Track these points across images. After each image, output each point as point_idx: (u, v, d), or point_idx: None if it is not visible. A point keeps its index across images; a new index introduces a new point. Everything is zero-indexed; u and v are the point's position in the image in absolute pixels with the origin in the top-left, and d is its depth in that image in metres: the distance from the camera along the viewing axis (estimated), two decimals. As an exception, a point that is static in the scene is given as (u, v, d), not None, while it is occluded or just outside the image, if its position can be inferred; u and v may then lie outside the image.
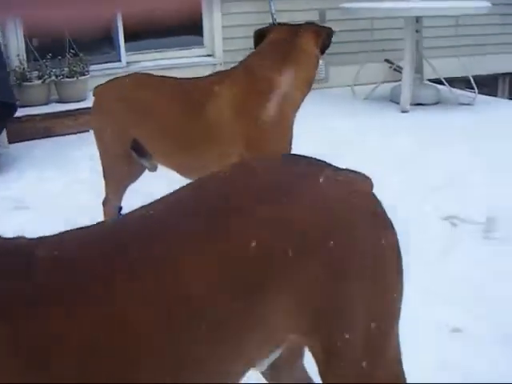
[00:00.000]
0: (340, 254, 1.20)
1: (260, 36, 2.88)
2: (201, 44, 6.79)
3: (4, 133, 5.24)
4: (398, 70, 6.28)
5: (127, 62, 6.50)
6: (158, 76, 3.12)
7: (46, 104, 5.88)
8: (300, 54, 2.76)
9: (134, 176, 3.15)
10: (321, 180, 1.25)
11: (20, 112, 5.68)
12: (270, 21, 6.53)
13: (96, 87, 3.12)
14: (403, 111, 5.77)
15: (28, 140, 5.47)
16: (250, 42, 6.05)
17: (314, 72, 2.83)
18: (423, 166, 4.36)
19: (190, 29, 6.83)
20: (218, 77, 2.88)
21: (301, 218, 1.19)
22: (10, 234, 1.15)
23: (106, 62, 6.25)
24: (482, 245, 3.18)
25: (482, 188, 3.88)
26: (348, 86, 6.52)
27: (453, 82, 6.34)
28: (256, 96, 2.71)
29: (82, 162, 4.61)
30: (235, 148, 2.72)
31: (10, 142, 5.36)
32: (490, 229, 3.33)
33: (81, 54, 5.91)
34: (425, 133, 5.22)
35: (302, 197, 1.23)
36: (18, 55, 5.82)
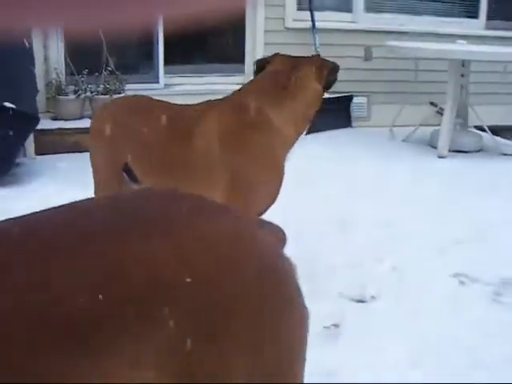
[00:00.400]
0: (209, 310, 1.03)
1: (261, 66, 2.74)
2: (242, 72, 6.71)
3: (32, 144, 5.26)
4: (442, 113, 6.05)
5: (165, 84, 6.48)
6: (153, 100, 3.04)
7: (79, 119, 5.90)
8: (297, 88, 2.61)
9: None
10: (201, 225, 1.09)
11: (52, 125, 5.73)
12: (313, 53, 6.40)
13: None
14: (440, 156, 5.53)
15: (56, 153, 5.47)
16: (291, 74, 6.00)
17: (312, 108, 2.67)
18: (449, 216, 4.10)
19: (231, 56, 6.79)
20: (209, 105, 2.76)
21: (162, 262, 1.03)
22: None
23: (144, 83, 6.24)
24: (487, 308, 2.92)
25: (505, 246, 3.61)
26: (390, 126, 6.33)
27: (498, 130, 6.06)
28: (244, 129, 2.58)
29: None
30: (219, 181, 2.58)
31: (38, 153, 5.38)
32: (501, 292, 3.07)
33: (117, 73, 5.91)
34: (459, 181, 4.97)
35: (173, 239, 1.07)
36: (56, 68, 5.86)
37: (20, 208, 3.87)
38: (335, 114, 6.59)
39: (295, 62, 2.68)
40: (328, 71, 2.68)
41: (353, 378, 2.34)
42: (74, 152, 5.49)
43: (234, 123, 2.60)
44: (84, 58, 5.92)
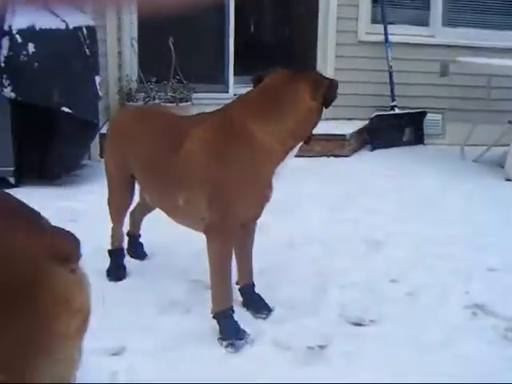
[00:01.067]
0: None
1: (258, 81, 2.72)
2: (312, 84, 6.66)
3: (97, 147, 5.49)
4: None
5: (235, 94, 6.53)
6: (161, 110, 3.13)
7: (147, 125, 6.08)
8: (288, 104, 2.56)
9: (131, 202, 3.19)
10: None
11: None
12: (386, 67, 6.28)
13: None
14: (507, 179, 5.23)
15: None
16: (363, 87, 5.92)
17: (303, 124, 2.61)
18: (493, 244, 3.84)
19: (302, 68, 6.74)
20: (200, 118, 2.78)
21: None
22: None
23: (213, 92, 6.34)
24: (491, 343, 2.73)
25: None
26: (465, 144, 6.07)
27: None
28: (225, 143, 2.57)
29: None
30: (203, 192, 2.59)
31: (102, 156, 5.59)
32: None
33: (184, 82, 6.05)
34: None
35: None
36: (128, 76, 6.09)
37: (77, 206, 4.03)
38: (408, 130, 6.41)
39: (289, 78, 2.63)
40: (325, 88, 2.61)
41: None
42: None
43: (217, 137, 2.60)
44: (154, 66, 6.12)
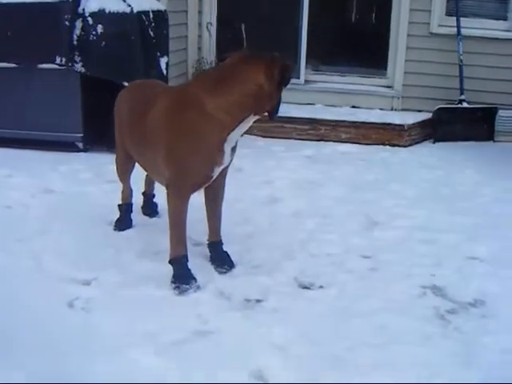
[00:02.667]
0: None
1: (222, 59, 3.04)
2: (383, 75, 6.78)
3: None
4: None
5: (306, 81, 6.83)
6: (154, 83, 3.55)
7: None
8: (238, 79, 2.86)
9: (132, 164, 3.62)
10: None
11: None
12: (456, 60, 6.27)
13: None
14: None
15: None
16: (432, 80, 5.99)
17: (252, 99, 2.86)
18: (492, 236, 3.83)
19: (374, 59, 6.89)
20: (167, 89, 3.18)
21: None
22: None
23: (285, 77, 6.64)
24: (420, 322, 2.88)
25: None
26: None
27: None
28: (178, 111, 2.94)
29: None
30: (160, 153, 2.99)
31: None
32: (456, 311, 2.97)
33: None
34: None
35: None
36: (203, 57, 6.58)
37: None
38: (476, 125, 6.36)
39: (247, 58, 2.93)
40: (279, 68, 2.87)
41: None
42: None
43: (172, 106, 2.98)
44: (229, 50, 6.53)
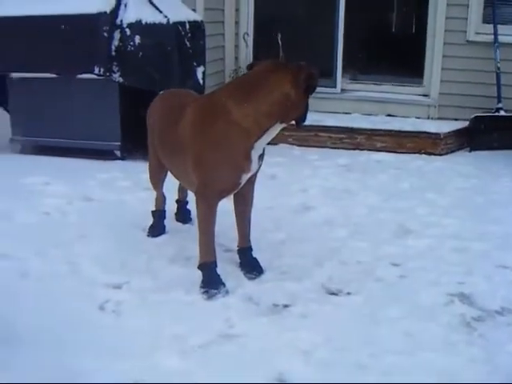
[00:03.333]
0: None
1: (250, 68, 3.11)
2: (420, 83, 6.76)
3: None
4: None
5: (342, 89, 6.85)
6: (185, 92, 3.63)
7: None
8: (265, 88, 2.91)
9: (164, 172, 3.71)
10: None
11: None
12: (493, 68, 6.22)
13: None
14: None
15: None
16: (469, 88, 5.95)
17: (279, 107, 2.91)
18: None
19: (410, 67, 6.87)
20: (195, 99, 3.26)
21: None
22: None
23: (320, 86, 6.67)
24: (447, 329, 2.87)
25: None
26: None
27: None
28: (206, 119, 3.00)
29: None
30: (189, 162, 3.06)
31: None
32: (483, 319, 2.96)
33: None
34: None
35: None
36: (240, 67, 6.67)
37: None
38: (513, 134, 6.28)
39: (274, 67, 2.99)
40: (305, 76, 2.93)
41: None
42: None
43: (201, 114, 3.05)
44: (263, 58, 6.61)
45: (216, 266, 3.16)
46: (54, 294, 3.05)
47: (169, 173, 3.69)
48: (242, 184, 3.09)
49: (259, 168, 3.18)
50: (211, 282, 3.09)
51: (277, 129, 3.02)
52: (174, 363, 2.51)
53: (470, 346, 2.68)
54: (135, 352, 2.56)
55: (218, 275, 3.14)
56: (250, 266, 3.34)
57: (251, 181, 3.21)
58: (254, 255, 3.40)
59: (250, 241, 3.39)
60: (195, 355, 2.57)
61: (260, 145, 3.03)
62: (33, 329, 2.70)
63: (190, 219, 4.05)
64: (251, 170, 3.06)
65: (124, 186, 4.80)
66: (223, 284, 3.11)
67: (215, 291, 3.06)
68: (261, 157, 3.11)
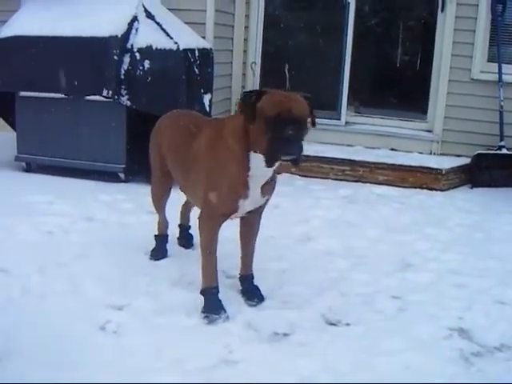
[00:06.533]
0: None
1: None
2: (423, 119, 6.83)
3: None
4: None
5: (346, 122, 6.92)
6: (192, 114, 3.69)
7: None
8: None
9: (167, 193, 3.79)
10: None
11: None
12: (497, 106, 6.29)
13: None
14: None
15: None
16: (472, 125, 6.02)
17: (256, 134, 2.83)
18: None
19: (415, 103, 6.95)
20: (207, 123, 3.32)
21: None
22: None
23: (325, 118, 6.76)
24: (445, 362, 2.87)
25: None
26: None
27: None
28: (214, 144, 3.06)
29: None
30: (201, 179, 3.11)
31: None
32: (481, 354, 2.97)
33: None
34: None
35: None
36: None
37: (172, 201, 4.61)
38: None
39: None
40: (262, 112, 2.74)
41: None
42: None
43: (210, 139, 3.11)
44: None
45: (218, 291, 3.17)
46: (55, 312, 3.06)
47: (170, 198, 3.73)
48: (242, 209, 3.10)
49: (267, 201, 3.20)
50: (213, 308, 3.11)
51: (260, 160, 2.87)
52: (173, 386, 2.51)
53: (468, 381, 2.68)
54: (134, 373, 2.56)
55: (220, 301, 3.15)
56: (251, 293, 3.36)
57: (258, 212, 3.24)
58: (256, 283, 3.41)
59: (251, 269, 3.41)
60: (195, 379, 2.57)
61: (256, 173, 3.00)
62: (31, 344, 2.70)
63: (193, 244, 4.07)
64: (249, 196, 3.06)
65: (127, 208, 4.82)
66: (224, 310, 3.12)
67: (216, 316, 3.07)
68: (265, 188, 3.11)
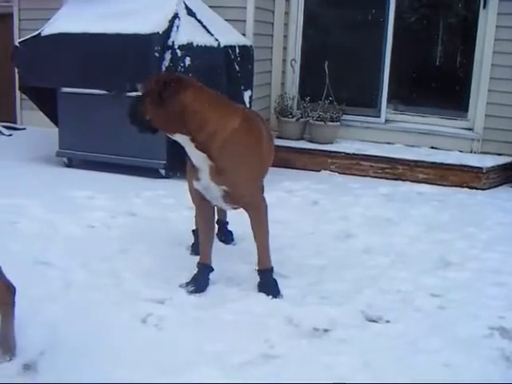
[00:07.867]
0: None
1: None
2: (464, 117, 6.75)
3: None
4: None
5: (386, 120, 6.88)
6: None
7: (298, 139, 6.69)
8: None
9: None
10: None
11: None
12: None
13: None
14: None
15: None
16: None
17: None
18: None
19: (456, 101, 6.87)
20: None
21: None
22: None
23: (365, 116, 6.73)
24: (485, 361, 2.84)
25: None
26: None
27: None
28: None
29: (278, 192, 5.23)
30: None
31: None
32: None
33: (335, 103, 6.55)
34: None
35: None
36: (286, 93, 6.76)
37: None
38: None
39: None
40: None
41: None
42: (282, 167, 6.23)
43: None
44: (311, 86, 6.72)
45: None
46: (98, 305, 3.12)
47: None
48: (202, 192, 3.31)
49: (233, 194, 3.27)
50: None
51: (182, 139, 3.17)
52: (213, 380, 2.53)
53: (509, 381, 2.65)
54: (175, 366, 2.60)
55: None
56: (267, 288, 3.38)
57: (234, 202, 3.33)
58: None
59: (265, 263, 3.42)
60: (235, 373, 2.60)
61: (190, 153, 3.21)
62: (75, 336, 2.77)
63: (233, 240, 4.10)
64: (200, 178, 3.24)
65: (168, 204, 4.88)
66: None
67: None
68: (214, 170, 3.19)
